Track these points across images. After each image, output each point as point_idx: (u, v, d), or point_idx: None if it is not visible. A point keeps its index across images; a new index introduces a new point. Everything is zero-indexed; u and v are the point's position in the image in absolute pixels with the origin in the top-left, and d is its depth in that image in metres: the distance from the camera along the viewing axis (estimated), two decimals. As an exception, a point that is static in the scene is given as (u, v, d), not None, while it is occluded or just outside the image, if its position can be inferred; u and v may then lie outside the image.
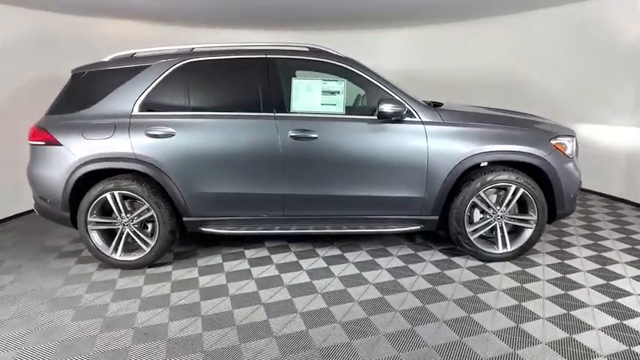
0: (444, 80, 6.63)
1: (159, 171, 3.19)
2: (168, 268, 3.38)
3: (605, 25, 5.01)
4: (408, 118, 3.18)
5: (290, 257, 3.52)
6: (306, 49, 3.38)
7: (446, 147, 3.16)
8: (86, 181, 3.26)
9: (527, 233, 3.29)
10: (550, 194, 3.25)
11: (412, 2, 5.21)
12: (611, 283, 2.97)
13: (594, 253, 3.47)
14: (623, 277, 3.06)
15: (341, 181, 3.21)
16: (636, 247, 3.61)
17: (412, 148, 3.16)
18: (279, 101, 3.23)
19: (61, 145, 3.23)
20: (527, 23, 5.77)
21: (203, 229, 3.35)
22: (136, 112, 3.24)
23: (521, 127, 3.28)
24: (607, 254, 3.45)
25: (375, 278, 3.12)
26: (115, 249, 3.32)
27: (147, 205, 3.23)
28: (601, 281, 3.00)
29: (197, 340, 2.40)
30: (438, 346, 2.31)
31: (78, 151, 3.20)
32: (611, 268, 3.21)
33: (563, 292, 2.86)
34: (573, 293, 2.84)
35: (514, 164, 3.29)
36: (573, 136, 3.35)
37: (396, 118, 3.14)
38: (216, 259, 3.52)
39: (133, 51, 3.49)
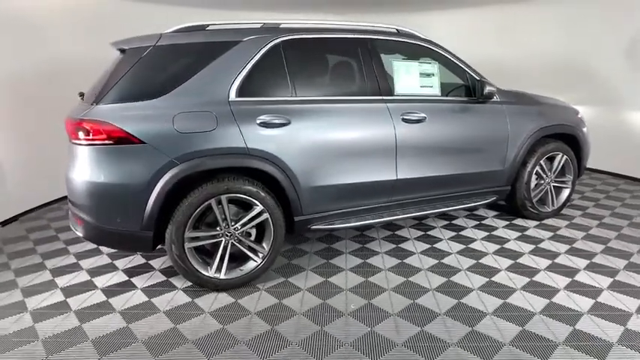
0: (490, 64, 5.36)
1: (275, 166, 2.72)
2: (279, 278, 2.92)
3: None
4: (492, 99, 3.47)
5: (387, 245, 3.44)
6: (395, 31, 3.31)
7: (519, 123, 3.56)
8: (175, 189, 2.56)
9: (566, 192, 3.98)
10: (578, 160, 4.00)
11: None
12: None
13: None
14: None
15: (447, 160, 3.31)
16: None
17: (499, 125, 3.47)
18: (384, 84, 3.11)
19: (143, 142, 2.45)
20: (581, 7, 5.29)
21: (313, 227, 3.00)
22: (233, 97, 2.68)
23: (561, 106, 3.94)
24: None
25: (487, 248, 3.34)
26: (219, 267, 2.70)
27: (260, 208, 2.72)
28: None
29: (441, 342, 2.25)
30: (609, 284, 2.71)
31: (171, 149, 2.50)
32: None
33: (617, 232, 3.63)
34: (624, 231, 3.63)
35: (553, 136, 3.91)
36: (578, 112, 4.19)
37: (486, 99, 3.41)
38: (317, 260, 3.19)
39: (203, 23, 2.83)
